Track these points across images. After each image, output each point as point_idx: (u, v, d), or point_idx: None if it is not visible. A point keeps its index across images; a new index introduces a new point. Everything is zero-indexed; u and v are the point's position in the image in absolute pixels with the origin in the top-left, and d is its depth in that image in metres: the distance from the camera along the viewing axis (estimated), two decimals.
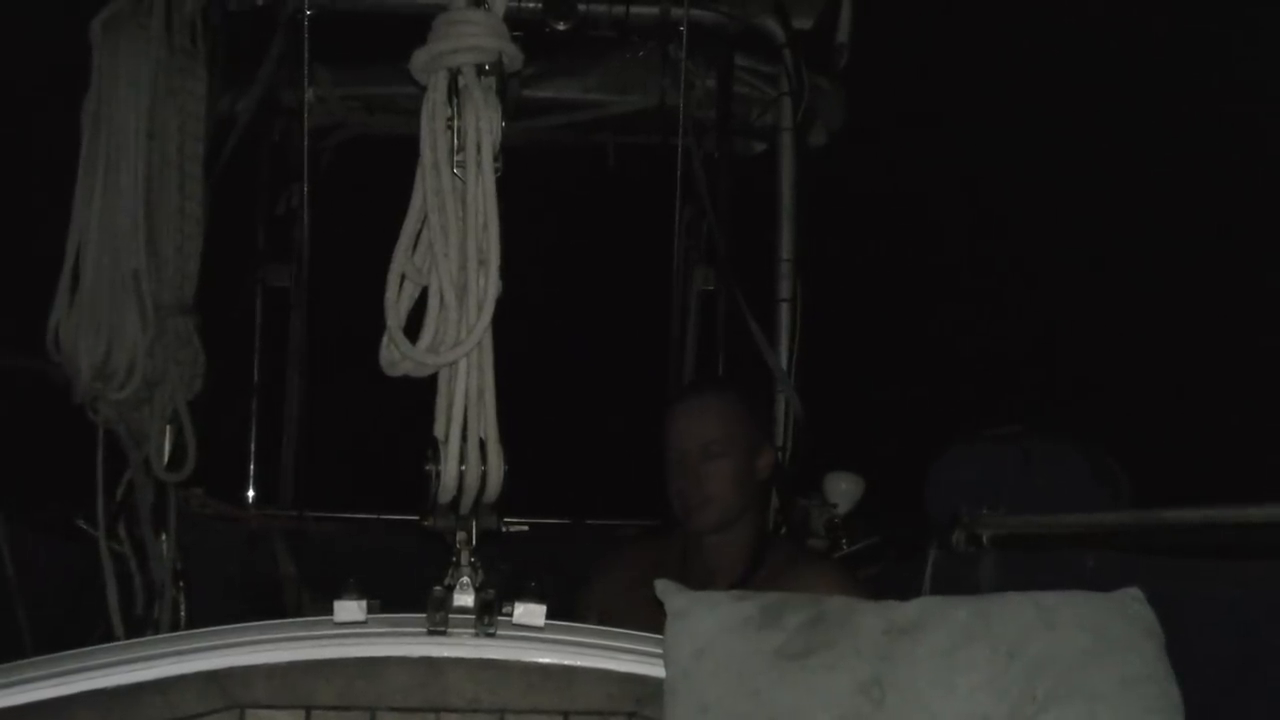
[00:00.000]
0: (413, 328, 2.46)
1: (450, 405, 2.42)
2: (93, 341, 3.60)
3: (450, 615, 2.36)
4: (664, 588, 2.37)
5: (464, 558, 2.44)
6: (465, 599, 2.39)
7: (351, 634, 2.34)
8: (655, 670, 2.32)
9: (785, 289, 5.41)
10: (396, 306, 2.48)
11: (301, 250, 5.68)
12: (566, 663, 2.33)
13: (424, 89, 2.48)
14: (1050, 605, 2.27)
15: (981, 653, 2.22)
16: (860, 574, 4.33)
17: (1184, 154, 8.82)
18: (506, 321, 2.42)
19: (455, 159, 2.42)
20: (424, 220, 2.45)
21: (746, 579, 3.66)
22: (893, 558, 4.77)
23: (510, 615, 2.38)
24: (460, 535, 2.46)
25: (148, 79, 3.68)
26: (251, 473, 5.74)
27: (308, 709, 2.29)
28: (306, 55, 4.98)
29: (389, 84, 5.83)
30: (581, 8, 5.11)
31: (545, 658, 2.33)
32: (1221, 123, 8.63)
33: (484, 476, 2.42)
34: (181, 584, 4.20)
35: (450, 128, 2.42)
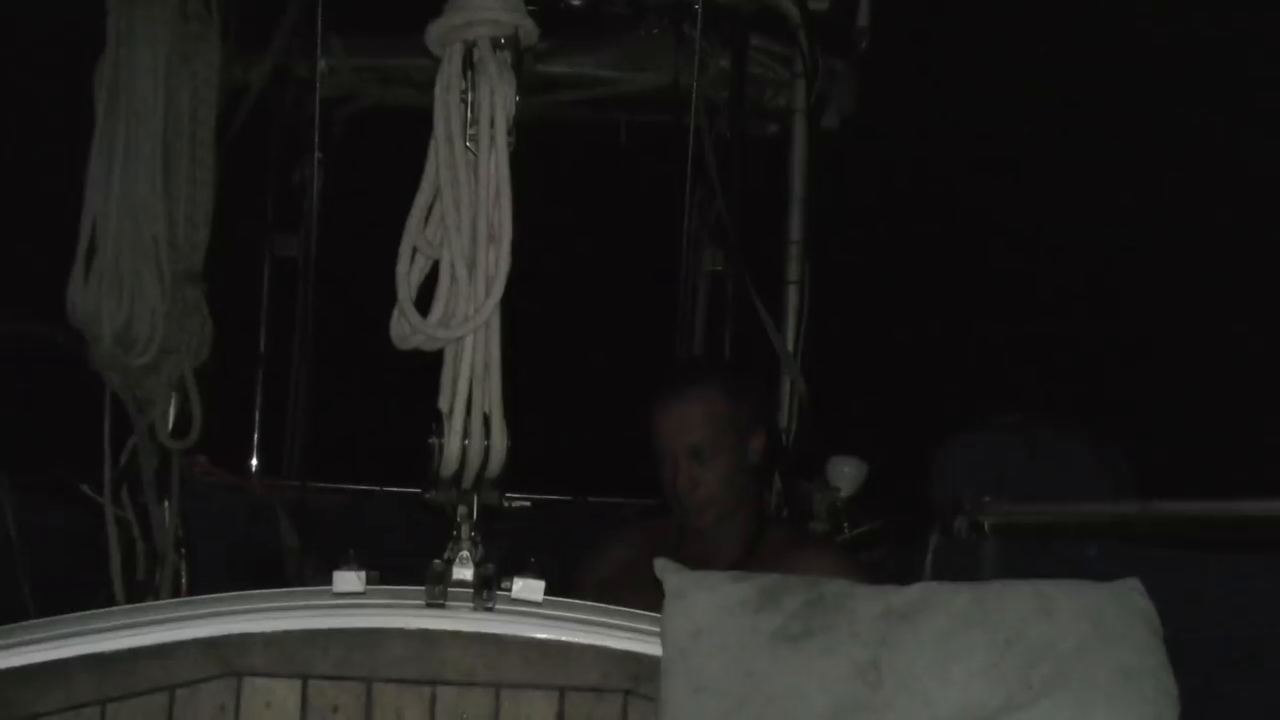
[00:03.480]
0: (419, 301, 2.46)
1: (455, 379, 2.43)
2: (115, 307, 3.59)
3: (449, 589, 2.36)
4: (663, 567, 2.38)
5: (464, 532, 2.45)
6: (464, 573, 2.39)
7: (350, 605, 2.35)
8: (652, 649, 2.32)
9: (794, 271, 5.40)
10: (408, 279, 2.47)
11: (310, 221, 5.69)
12: (564, 639, 2.34)
13: (439, 61, 2.47)
14: (1049, 594, 2.27)
15: (979, 639, 2.22)
16: (861, 558, 4.33)
17: (1200, 139, 8.80)
18: (514, 297, 2.42)
19: (468, 133, 2.42)
20: (436, 194, 2.45)
21: (743, 563, 3.64)
22: (894, 543, 4.77)
23: (509, 590, 2.38)
24: (461, 509, 2.46)
25: (165, 45, 3.67)
26: (255, 442, 5.75)
27: (304, 678, 2.29)
28: (320, 25, 4.97)
29: (403, 56, 5.82)
30: None
31: (543, 633, 2.34)
32: (1236, 114, 8.62)
33: (487, 451, 2.43)
34: (183, 551, 4.20)
35: (464, 101, 2.42)
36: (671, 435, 3.69)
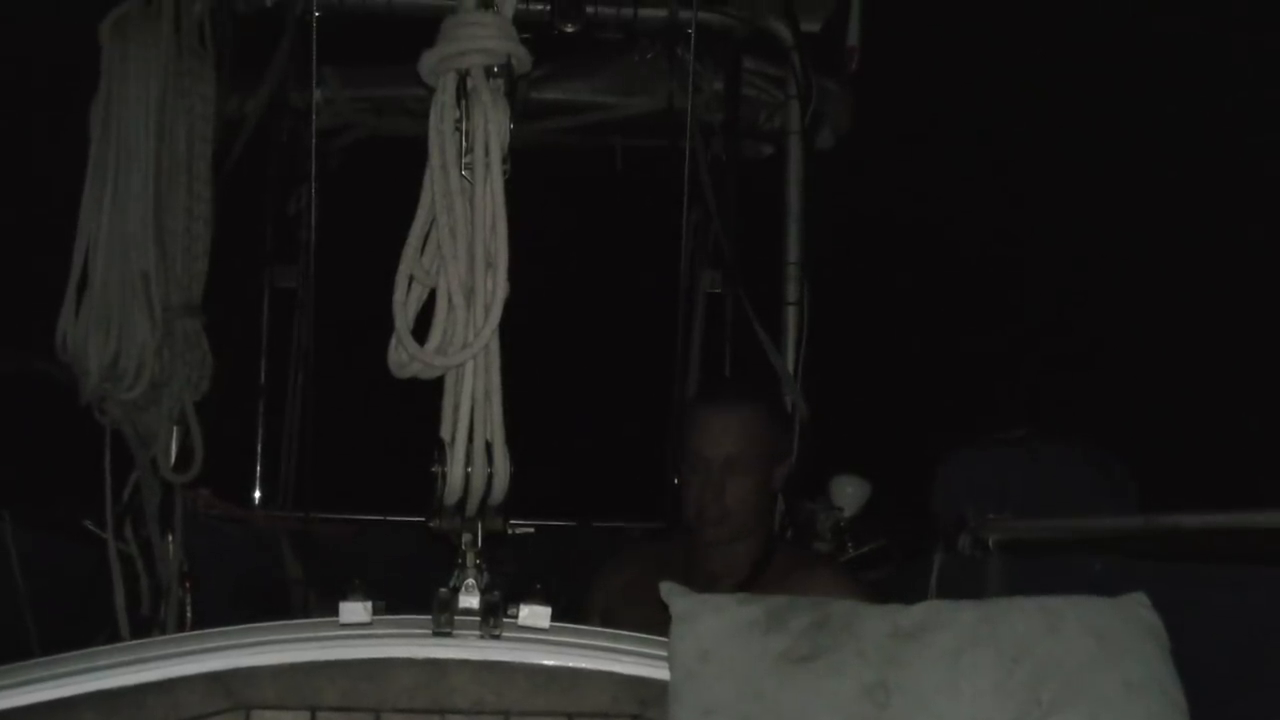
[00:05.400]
0: (419, 329, 2.47)
1: (457, 407, 2.43)
2: (102, 342, 3.60)
3: (455, 617, 2.36)
4: (669, 590, 2.37)
5: (470, 559, 2.45)
6: (471, 601, 2.39)
7: (357, 635, 2.34)
8: (660, 673, 2.32)
9: (792, 292, 5.39)
10: (405, 308, 2.48)
11: (308, 251, 5.69)
12: (571, 665, 2.33)
13: (432, 91, 2.48)
14: (1056, 610, 2.27)
15: (987, 657, 2.22)
16: (866, 578, 4.33)
17: (1192, 153, 8.82)
18: (513, 323, 2.43)
19: (464, 161, 2.42)
20: (432, 222, 2.46)
21: (749, 585, 3.64)
22: (899, 561, 4.76)
23: (515, 617, 2.38)
24: (466, 537, 2.46)
25: (157, 80, 3.68)
26: (258, 474, 5.75)
27: (313, 710, 2.29)
28: (315, 56, 4.98)
29: (397, 86, 5.83)
30: (589, 10, 5.10)
31: (550, 660, 2.34)
32: (1230, 123, 8.63)
33: (490, 478, 2.43)
34: (187, 585, 4.20)
35: (459, 129, 2.43)
36: (713, 441, 3.71)
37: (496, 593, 2.40)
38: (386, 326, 2.48)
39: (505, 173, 2.43)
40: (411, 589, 2.45)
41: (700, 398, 4.03)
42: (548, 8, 4.95)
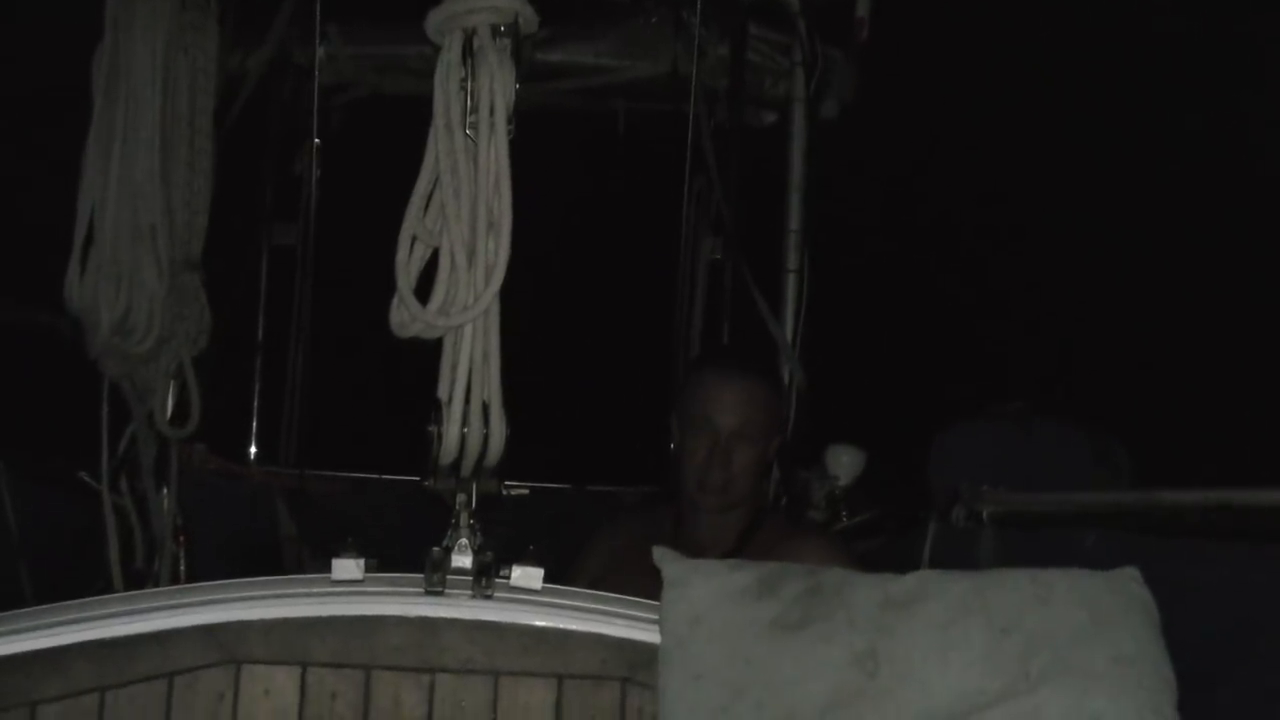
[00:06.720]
0: (420, 290, 2.46)
1: (455, 367, 2.42)
2: (113, 295, 3.59)
3: (448, 576, 2.37)
4: (661, 555, 2.38)
5: (463, 520, 2.45)
6: (463, 560, 2.40)
7: (349, 592, 2.35)
8: (650, 637, 2.33)
9: (792, 260, 5.39)
10: (407, 268, 2.47)
11: (308, 209, 5.68)
12: (562, 626, 2.34)
13: (438, 49, 2.47)
14: (1047, 582, 2.27)
15: (977, 628, 2.22)
16: (859, 547, 4.33)
17: (1193, 136, 8.81)
18: (513, 285, 2.42)
19: (468, 120, 2.41)
20: (436, 182, 2.45)
21: (737, 553, 3.64)
22: (892, 531, 4.77)
23: (508, 578, 2.39)
24: (460, 497, 2.46)
25: (162, 33, 3.66)
26: (254, 430, 5.75)
27: (303, 665, 2.30)
28: (319, 13, 4.96)
29: (402, 44, 5.81)
30: None
31: (541, 621, 2.34)
32: (1231, 110, 8.62)
33: (486, 439, 2.43)
34: (181, 539, 4.21)
35: (464, 89, 2.42)
36: (725, 409, 3.69)
37: (489, 553, 2.40)
38: (386, 285, 2.48)
39: (510, 133, 2.42)
40: (405, 548, 2.46)
41: (709, 365, 4.00)
42: None
